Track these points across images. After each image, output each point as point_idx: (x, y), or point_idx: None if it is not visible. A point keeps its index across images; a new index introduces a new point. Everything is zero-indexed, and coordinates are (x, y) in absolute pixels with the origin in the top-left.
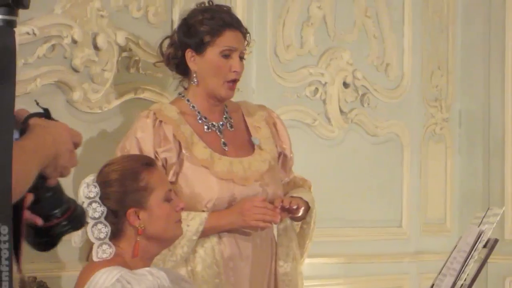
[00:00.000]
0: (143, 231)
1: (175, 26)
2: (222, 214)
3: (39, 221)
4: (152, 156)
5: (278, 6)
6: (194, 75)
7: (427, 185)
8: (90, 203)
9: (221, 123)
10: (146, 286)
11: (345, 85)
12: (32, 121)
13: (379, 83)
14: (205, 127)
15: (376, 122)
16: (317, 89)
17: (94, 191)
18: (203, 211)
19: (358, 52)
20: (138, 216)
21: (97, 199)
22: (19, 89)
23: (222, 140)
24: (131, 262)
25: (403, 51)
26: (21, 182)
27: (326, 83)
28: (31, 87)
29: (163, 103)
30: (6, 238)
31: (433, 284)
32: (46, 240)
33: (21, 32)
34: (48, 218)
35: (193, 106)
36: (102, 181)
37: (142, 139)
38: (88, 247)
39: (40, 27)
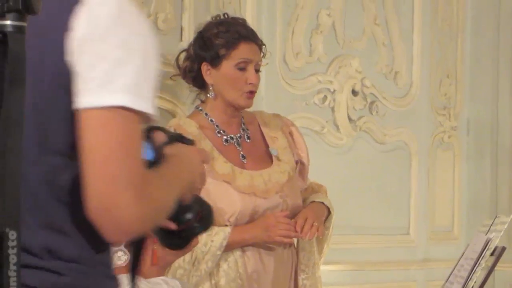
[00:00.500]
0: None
1: (184, 33)
2: (245, 228)
3: (173, 226)
4: None
5: (287, 14)
6: (211, 88)
7: (435, 193)
8: None
9: (238, 135)
10: None
11: (354, 92)
12: (167, 150)
13: (387, 91)
14: (224, 140)
15: (384, 130)
16: (325, 96)
17: None
18: (226, 225)
19: (367, 60)
20: None
21: None
22: None
23: (241, 153)
24: (147, 270)
25: (412, 59)
26: (161, 212)
27: (334, 90)
28: None
29: (181, 118)
30: (15, 243)
31: None
32: (179, 242)
33: None
34: (180, 222)
35: (211, 120)
36: None
37: None
38: None
39: None
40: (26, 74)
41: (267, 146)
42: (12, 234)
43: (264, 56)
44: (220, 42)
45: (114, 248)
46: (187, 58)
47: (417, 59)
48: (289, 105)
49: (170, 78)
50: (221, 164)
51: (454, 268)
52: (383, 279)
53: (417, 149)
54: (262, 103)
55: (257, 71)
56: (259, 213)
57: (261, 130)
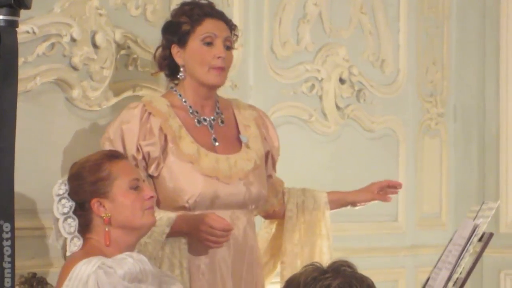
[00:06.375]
0: (110, 220)
1: None
2: (186, 221)
3: None
4: (135, 148)
5: (274, 3)
6: (182, 69)
7: (423, 179)
8: (59, 200)
9: (212, 117)
10: (128, 268)
11: (341, 81)
12: None
13: (375, 78)
14: (196, 121)
15: (372, 117)
16: (313, 85)
17: (64, 188)
18: (184, 206)
19: (354, 48)
20: (104, 206)
21: (66, 195)
22: (19, 87)
23: (213, 135)
24: (108, 252)
25: (398, 47)
26: None
27: (322, 79)
28: (30, 85)
29: (154, 96)
30: (9, 235)
31: (429, 278)
32: None
33: (21, 30)
34: None
35: (185, 101)
36: (70, 176)
37: (127, 130)
38: (64, 246)
39: (40, 26)
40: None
41: (238, 132)
42: (7, 227)
43: (236, 38)
44: (184, 20)
45: (63, 214)
46: (161, 49)
47: (403, 47)
48: (277, 94)
49: (152, 75)
50: (188, 144)
51: (442, 254)
52: (372, 266)
53: (404, 136)
54: (251, 92)
55: (229, 48)
56: (220, 198)
57: (235, 117)
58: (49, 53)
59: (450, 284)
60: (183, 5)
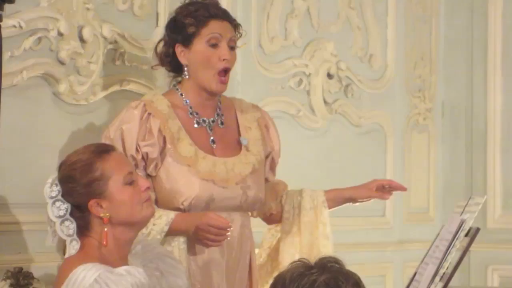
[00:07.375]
0: (109, 220)
1: (160, 19)
2: (185, 219)
3: None
4: (134, 148)
5: None
6: (185, 69)
7: (411, 174)
8: (54, 202)
9: (212, 119)
10: (124, 287)
11: (329, 76)
12: None
13: (363, 74)
14: (195, 122)
15: (360, 112)
16: (301, 80)
17: (56, 189)
18: (179, 208)
19: (342, 43)
20: (101, 206)
21: (60, 197)
22: (5, 82)
23: (211, 137)
24: (107, 251)
25: (386, 42)
26: None
27: (310, 74)
28: (17, 79)
29: (155, 94)
30: None
31: (415, 273)
32: None
33: (7, 25)
34: None
35: (186, 101)
36: (61, 178)
37: (127, 130)
38: (63, 242)
39: (26, 20)
40: None
41: (239, 134)
42: None
43: (240, 36)
44: (190, 21)
45: (60, 217)
46: (163, 45)
47: (391, 42)
48: (265, 89)
49: (152, 67)
50: (186, 146)
51: (429, 249)
52: (359, 261)
53: (392, 131)
54: (239, 88)
55: (232, 48)
56: (216, 201)
57: (236, 118)
58: (36, 47)
59: (437, 279)
60: (188, 4)
